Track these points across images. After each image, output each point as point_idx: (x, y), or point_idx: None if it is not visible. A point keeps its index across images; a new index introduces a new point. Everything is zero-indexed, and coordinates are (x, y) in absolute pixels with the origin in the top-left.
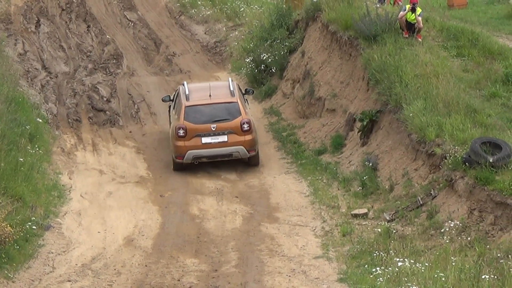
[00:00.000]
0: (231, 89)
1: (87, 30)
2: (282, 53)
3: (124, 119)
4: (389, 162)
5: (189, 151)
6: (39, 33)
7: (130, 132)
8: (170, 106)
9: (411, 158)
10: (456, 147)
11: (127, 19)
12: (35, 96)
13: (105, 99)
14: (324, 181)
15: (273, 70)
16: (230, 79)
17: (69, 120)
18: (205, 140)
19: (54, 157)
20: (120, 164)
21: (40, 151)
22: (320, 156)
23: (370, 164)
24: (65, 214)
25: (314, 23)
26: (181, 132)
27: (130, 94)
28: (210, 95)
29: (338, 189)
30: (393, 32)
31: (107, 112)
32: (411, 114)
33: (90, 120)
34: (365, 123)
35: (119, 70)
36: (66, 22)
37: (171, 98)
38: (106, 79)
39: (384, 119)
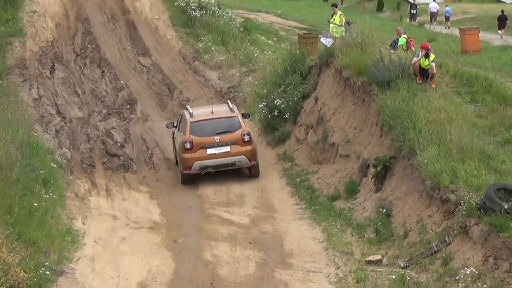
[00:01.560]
0: (231, 106)
1: (102, 75)
2: (296, 98)
3: (137, 164)
4: (403, 208)
5: (196, 162)
6: (53, 78)
7: (144, 177)
8: (173, 133)
9: (425, 205)
10: (471, 193)
11: (141, 64)
12: (50, 141)
13: (119, 144)
14: (338, 227)
15: (287, 116)
16: (229, 101)
17: (83, 165)
18: (210, 151)
19: (68, 202)
20: (133, 210)
21: (54, 196)
22: (334, 202)
23: (384, 210)
24: (78, 259)
25: (328, 69)
26: (188, 145)
27: (144, 139)
28: (212, 112)
29: (352, 235)
30: (407, 78)
31: (121, 157)
32: (425, 160)
33: (104, 165)
34: (378, 169)
35: (133, 115)
36: (81, 67)
37: (175, 124)
38: (120, 124)
39: (398, 165)
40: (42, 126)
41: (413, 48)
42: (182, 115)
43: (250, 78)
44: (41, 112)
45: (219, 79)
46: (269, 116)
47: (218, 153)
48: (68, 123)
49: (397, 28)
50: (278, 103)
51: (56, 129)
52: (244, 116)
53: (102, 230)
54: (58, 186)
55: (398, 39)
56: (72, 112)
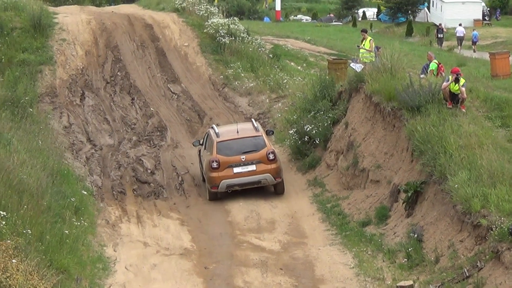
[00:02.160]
0: (255, 125)
1: (132, 102)
2: (326, 124)
3: (168, 191)
4: (434, 234)
5: (223, 181)
6: (84, 106)
7: (174, 204)
8: (199, 150)
9: (457, 229)
10: (502, 218)
11: (171, 91)
12: (80, 168)
13: (149, 171)
14: (369, 252)
15: (317, 142)
16: (253, 119)
17: (114, 192)
18: (236, 170)
19: (99, 229)
20: (164, 236)
21: (85, 224)
22: (365, 228)
23: (415, 235)
24: (110, 286)
25: (357, 94)
26: (215, 164)
27: (174, 166)
28: (237, 131)
29: (383, 261)
30: (437, 103)
31: (151, 184)
32: (456, 185)
33: (135, 192)
34: (409, 194)
35: (163, 142)
36: (111, 95)
37: (201, 142)
38: (150, 151)
39: (429, 190)
40: (72, 154)
41: (443, 73)
42: (208, 134)
43: (280, 104)
44: (72, 140)
45: (249, 105)
46: (299, 142)
47: (244, 171)
48: (99, 150)
49: (428, 52)
50: (308, 129)
51: (87, 156)
52: (268, 133)
53: (133, 257)
54: (89, 213)
55: (429, 64)
56: (102, 140)
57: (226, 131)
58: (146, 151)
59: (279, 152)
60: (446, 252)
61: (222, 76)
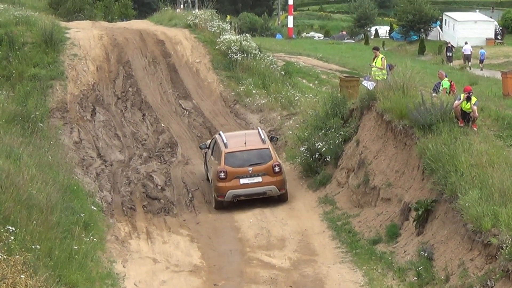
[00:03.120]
0: (262, 137)
1: (143, 118)
2: (337, 142)
3: (178, 207)
4: (444, 252)
5: (230, 191)
6: (94, 122)
7: (184, 220)
8: (205, 153)
9: (467, 248)
10: None
11: (182, 107)
12: (90, 184)
13: (159, 187)
14: (379, 271)
15: (328, 159)
16: (259, 128)
17: (124, 208)
18: (243, 181)
19: (108, 245)
20: (174, 253)
21: (95, 239)
22: (375, 246)
23: (426, 254)
24: None
25: (369, 112)
26: (222, 174)
27: (185, 183)
28: (245, 143)
29: (393, 279)
30: (448, 122)
31: (161, 200)
32: (466, 204)
33: (145, 208)
34: (420, 212)
35: (173, 158)
36: (122, 110)
37: (207, 145)
38: (161, 167)
39: (440, 209)
40: (82, 169)
41: (455, 92)
42: (216, 141)
43: (291, 121)
44: (82, 155)
45: (260, 122)
46: (310, 159)
47: (251, 183)
48: (109, 166)
49: (440, 71)
50: (319, 146)
51: (97, 172)
52: (271, 139)
53: (142, 273)
54: (98, 229)
55: (440, 83)
56: (113, 155)
57: (234, 141)
58: (156, 167)
59: (289, 169)
60: (457, 271)
61: (233, 93)
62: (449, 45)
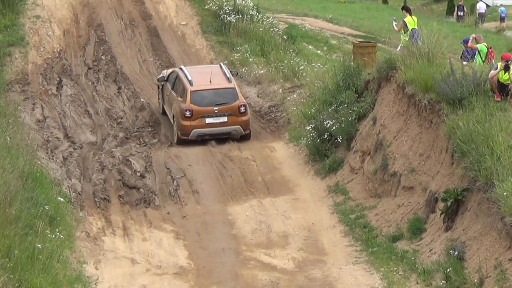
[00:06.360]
0: (228, 75)
1: (118, 92)
2: (350, 119)
3: (160, 198)
4: (478, 251)
5: (194, 130)
6: (61, 96)
7: (168, 213)
8: (162, 85)
9: (505, 246)
10: None
11: None
12: (56, 170)
13: (138, 174)
14: (400, 273)
15: (339, 140)
16: (221, 64)
17: (96, 199)
18: (208, 120)
19: (78, 243)
20: (156, 252)
21: (61, 236)
22: (395, 243)
23: (456, 253)
24: None
25: (388, 84)
26: (188, 113)
27: (168, 169)
28: (210, 81)
29: (417, 283)
30: (483, 95)
31: (140, 189)
32: (505, 193)
33: (121, 199)
34: (449, 203)
35: (155, 139)
36: (93, 83)
37: (166, 78)
38: (140, 150)
39: (472, 199)
40: (47, 153)
41: (492, 60)
42: (178, 76)
43: (295, 96)
44: (46, 136)
45: (258, 96)
46: (318, 140)
47: (216, 122)
48: (78, 149)
49: (474, 35)
50: (328, 124)
51: (64, 156)
52: (232, 73)
53: (118, 277)
54: (66, 224)
55: (466, 50)
56: (82, 136)
57: (198, 78)
58: (135, 150)
59: (293, 152)
60: (493, 273)
61: (226, 62)
62: (460, 3)
